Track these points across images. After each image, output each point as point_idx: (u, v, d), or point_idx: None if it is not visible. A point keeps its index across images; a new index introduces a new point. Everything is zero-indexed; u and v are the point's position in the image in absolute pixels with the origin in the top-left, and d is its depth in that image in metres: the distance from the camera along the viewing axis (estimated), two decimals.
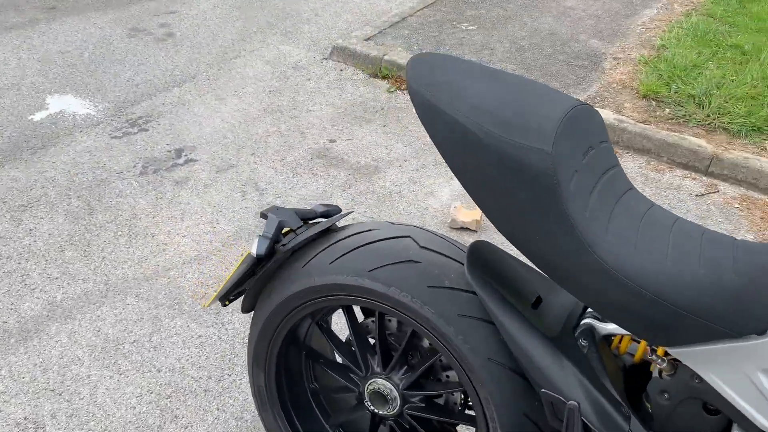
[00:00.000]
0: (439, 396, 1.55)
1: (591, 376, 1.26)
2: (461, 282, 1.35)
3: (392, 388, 1.50)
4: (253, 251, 1.44)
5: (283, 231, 1.48)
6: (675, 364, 1.21)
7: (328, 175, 3.00)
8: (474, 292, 1.33)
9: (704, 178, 3.08)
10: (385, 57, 3.83)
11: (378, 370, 1.53)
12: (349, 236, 1.46)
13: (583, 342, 1.31)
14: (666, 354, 1.21)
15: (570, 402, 1.18)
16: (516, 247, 1.19)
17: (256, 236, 1.49)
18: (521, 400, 1.33)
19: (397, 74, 3.77)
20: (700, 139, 3.13)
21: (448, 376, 1.52)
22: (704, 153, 3.07)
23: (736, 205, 2.93)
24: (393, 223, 1.51)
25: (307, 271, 1.44)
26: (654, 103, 3.42)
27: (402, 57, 3.81)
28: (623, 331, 1.31)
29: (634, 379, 1.35)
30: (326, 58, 4.00)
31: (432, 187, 2.95)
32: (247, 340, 1.98)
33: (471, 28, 4.24)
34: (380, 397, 1.52)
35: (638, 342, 1.33)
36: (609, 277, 1.08)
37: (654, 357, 1.22)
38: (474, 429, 1.50)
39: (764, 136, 3.14)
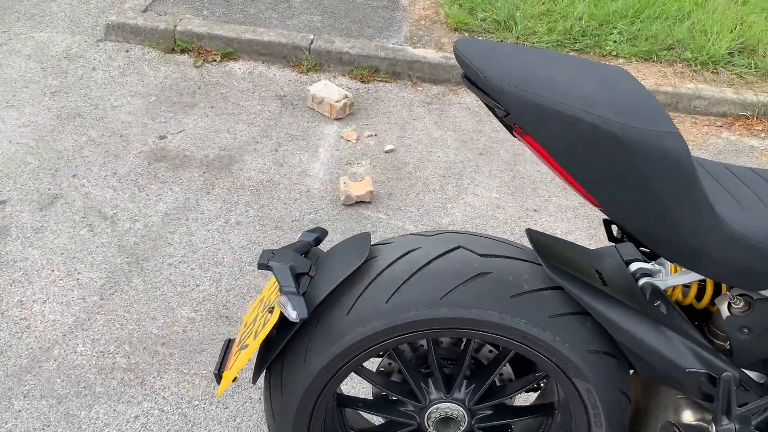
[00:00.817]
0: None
1: (687, 335, 1.27)
2: (538, 281, 1.25)
3: (458, 407, 1.38)
4: (292, 315, 1.17)
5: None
6: (749, 302, 1.27)
7: (180, 180, 2.57)
8: (554, 288, 1.25)
9: None
10: (178, 28, 3.33)
11: (438, 395, 1.38)
12: (391, 264, 1.26)
13: (657, 303, 1.32)
14: (741, 294, 1.27)
15: (725, 374, 1.18)
16: (644, 240, 1.12)
17: (279, 296, 1.21)
18: (616, 379, 1.31)
19: (198, 45, 3.32)
20: None
21: (513, 376, 1.44)
22: None
23: None
24: (425, 235, 1.34)
25: (357, 319, 1.22)
26: (467, 34, 3.52)
27: (198, 25, 3.36)
28: (686, 281, 1.34)
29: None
30: (102, 40, 3.35)
31: (302, 165, 2.71)
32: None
33: None
34: (447, 421, 1.39)
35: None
36: (741, 245, 1.08)
37: (733, 300, 1.27)
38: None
39: (568, 49, 3.43)
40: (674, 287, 1.37)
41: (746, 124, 3.24)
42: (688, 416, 1.30)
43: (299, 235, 1.41)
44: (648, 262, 1.40)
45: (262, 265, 1.26)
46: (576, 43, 3.45)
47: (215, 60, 3.29)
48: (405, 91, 3.26)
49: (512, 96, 1.03)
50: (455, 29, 3.53)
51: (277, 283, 1.24)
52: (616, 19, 3.54)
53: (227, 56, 3.32)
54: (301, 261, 1.28)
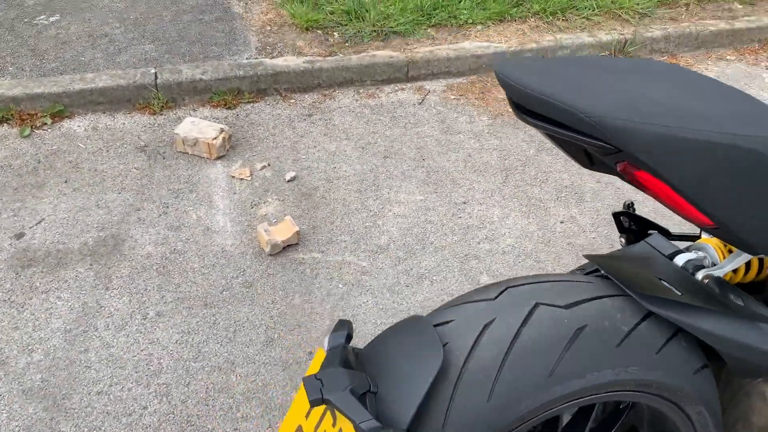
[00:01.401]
0: None
1: None
2: (629, 316, 1.10)
3: None
4: None
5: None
6: None
7: (65, 282, 2.09)
8: (645, 317, 1.11)
9: (409, 84, 3.15)
10: None
11: None
12: (472, 352, 1.04)
13: (731, 296, 1.23)
14: None
15: None
16: (752, 243, 1.00)
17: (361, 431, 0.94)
18: (715, 389, 1.21)
19: (17, 110, 2.74)
20: (386, 51, 3.14)
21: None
22: (399, 62, 3.10)
23: (452, 97, 3.09)
24: (484, 298, 1.12)
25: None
26: (320, 32, 3.26)
27: (9, 86, 2.76)
28: (740, 263, 1.27)
29: None
30: None
31: (203, 223, 2.33)
32: None
33: (54, 18, 3.29)
34: None
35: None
36: None
37: None
38: None
39: (425, 26, 3.31)
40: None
41: None
42: None
43: (326, 339, 1.13)
44: (685, 251, 1.31)
45: (318, 401, 0.99)
46: (431, 18, 3.34)
47: (45, 124, 2.73)
48: (278, 108, 2.95)
49: (625, 132, 0.85)
50: (306, 29, 3.25)
51: (330, 411, 0.99)
52: None
53: (59, 116, 2.78)
54: (356, 378, 1.02)
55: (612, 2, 3.54)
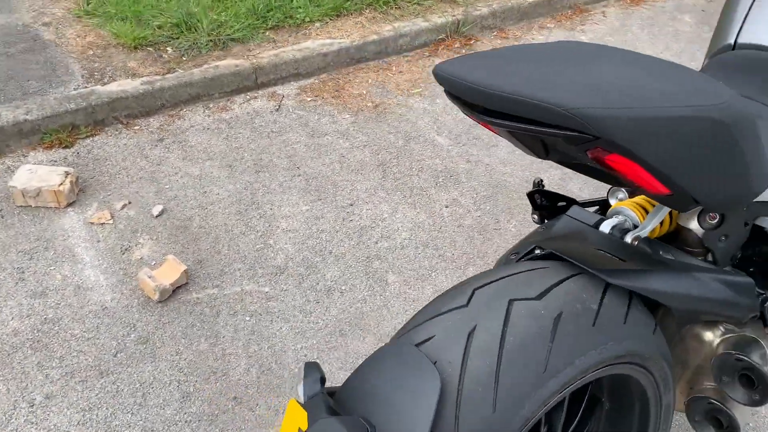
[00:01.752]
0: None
1: (703, 268, 1.27)
2: (594, 292, 1.10)
3: None
4: None
5: None
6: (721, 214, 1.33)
7: None
8: (605, 290, 1.13)
9: (261, 91, 3.00)
10: None
11: None
12: (463, 365, 0.99)
13: (664, 253, 1.30)
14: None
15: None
16: (709, 203, 1.04)
17: None
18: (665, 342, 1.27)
19: None
20: (229, 60, 2.96)
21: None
22: (246, 70, 2.94)
23: (308, 99, 3.00)
24: (456, 307, 1.07)
25: None
26: (151, 49, 2.99)
27: None
28: (660, 219, 1.34)
29: None
30: None
31: (70, 282, 2.04)
32: None
33: None
34: None
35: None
36: None
37: (703, 217, 1.31)
38: None
39: (263, 30, 3.18)
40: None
41: (447, 45, 3.44)
42: (738, 339, 1.32)
43: (299, 388, 1.03)
44: (607, 218, 1.36)
45: None
46: (267, 21, 3.21)
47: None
48: (122, 138, 2.67)
49: (605, 120, 0.84)
50: (135, 47, 2.97)
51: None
52: None
53: None
54: (351, 424, 0.93)
55: None
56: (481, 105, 0.95)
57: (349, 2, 3.42)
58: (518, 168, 2.67)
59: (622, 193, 1.49)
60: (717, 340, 1.38)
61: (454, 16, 3.47)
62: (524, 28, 3.70)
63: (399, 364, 1.00)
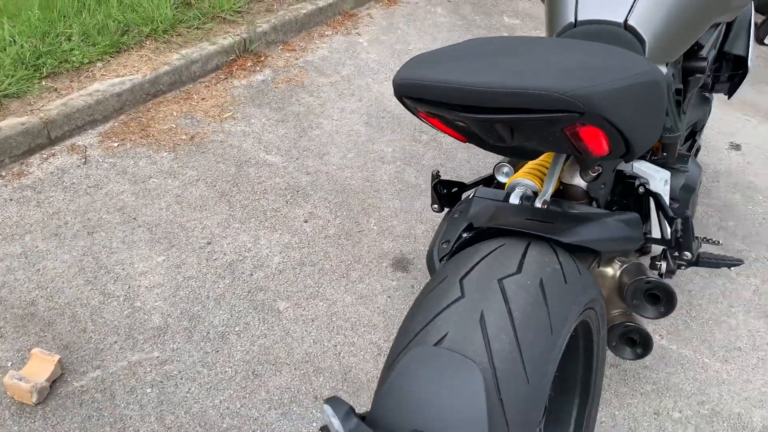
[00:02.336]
0: None
1: (604, 214, 1.46)
2: (552, 256, 1.21)
3: None
4: None
5: None
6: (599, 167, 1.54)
7: None
8: (556, 249, 1.25)
9: (58, 147, 2.66)
10: None
11: None
12: (489, 348, 1.03)
13: (567, 208, 1.45)
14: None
15: (681, 216, 1.40)
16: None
17: None
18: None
19: None
20: (11, 119, 2.58)
21: None
22: (35, 126, 2.59)
23: (115, 144, 2.73)
24: (459, 298, 1.10)
25: None
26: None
27: None
28: (555, 183, 1.50)
29: None
30: None
31: None
32: None
33: None
34: None
35: None
36: None
37: (586, 172, 1.51)
38: None
39: (38, 80, 2.82)
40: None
41: (240, 65, 3.37)
42: (633, 267, 1.53)
43: (335, 425, 0.99)
44: (510, 190, 1.49)
45: None
46: (40, 69, 2.85)
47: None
48: None
49: (591, 97, 0.93)
50: None
51: None
52: (50, 25, 3.04)
53: None
54: None
55: (211, 7, 3.54)
56: (471, 104, 0.99)
57: (126, 36, 3.18)
58: (355, 170, 2.74)
59: (507, 167, 1.63)
60: (618, 272, 1.59)
61: (238, 35, 3.42)
62: (306, 39, 3.78)
63: (430, 367, 1.01)
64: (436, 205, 1.69)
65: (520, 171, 1.55)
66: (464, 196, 1.66)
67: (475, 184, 1.72)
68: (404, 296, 2.18)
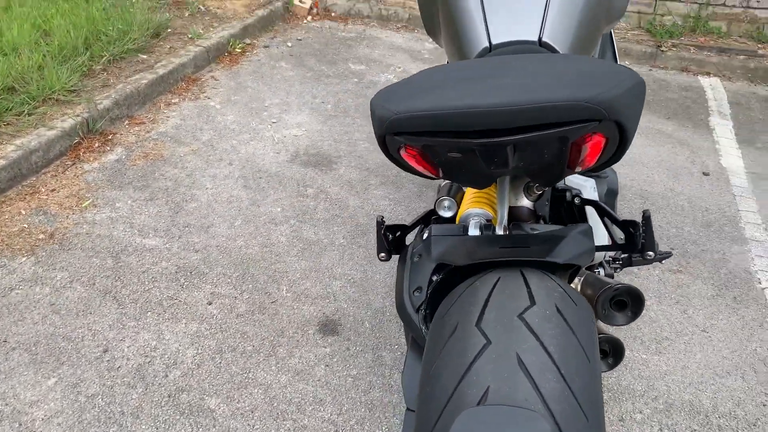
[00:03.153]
0: None
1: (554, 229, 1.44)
2: (549, 281, 1.16)
3: None
4: None
5: None
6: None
7: None
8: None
9: None
10: None
11: None
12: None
13: (530, 229, 1.41)
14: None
15: (646, 210, 1.39)
16: None
17: None
18: None
19: None
20: None
21: None
22: None
23: None
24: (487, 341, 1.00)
25: None
26: None
27: None
28: (506, 209, 1.47)
29: None
30: None
31: None
32: None
33: None
34: None
35: None
36: None
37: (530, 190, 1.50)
38: None
39: None
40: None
41: (87, 147, 3.03)
42: (591, 277, 1.51)
43: None
44: (467, 224, 1.43)
45: None
46: None
47: None
48: None
49: (609, 101, 0.88)
50: None
51: None
52: None
53: None
54: None
55: (40, 89, 3.16)
56: (490, 127, 0.90)
57: None
58: (248, 238, 2.54)
59: (448, 201, 1.57)
60: (578, 286, 1.58)
61: (78, 115, 3.08)
62: (153, 110, 3.50)
63: (486, 426, 0.89)
64: (383, 254, 1.57)
65: (465, 202, 1.49)
66: (408, 238, 1.57)
67: (417, 223, 1.63)
68: (343, 360, 2.01)
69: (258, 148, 3.20)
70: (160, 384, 1.88)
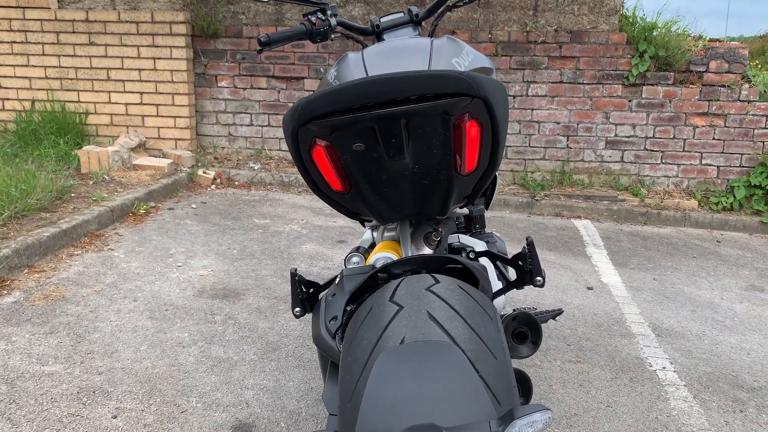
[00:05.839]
0: None
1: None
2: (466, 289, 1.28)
3: None
4: None
5: None
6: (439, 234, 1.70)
7: None
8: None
9: None
10: None
11: None
12: None
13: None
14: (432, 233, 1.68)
15: (529, 236, 1.56)
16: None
17: None
18: None
19: None
20: None
21: None
22: None
23: None
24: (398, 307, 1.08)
25: None
26: None
27: None
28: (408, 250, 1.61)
29: None
30: None
31: None
32: None
33: None
34: None
35: None
36: None
37: (430, 237, 1.66)
38: None
39: None
40: None
41: None
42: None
43: None
44: (375, 268, 1.56)
45: None
46: None
47: None
48: None
49: (478, 79, 1.08)
50: None
51: None
52: None
53: None
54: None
55: None
56: (382, 99, 1.06)
57: None
58: (155, 359, 2.46)
59: (356, 257, 1.69)
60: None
61: None
62: (54, 260, 3.46)
63: (410, 361, 0.96)
64: (298, 308, 1.63)
65: (374, 252, 1.62)
66: (321, 296, 1.65)
67: (329, 282, 1.72)
68: None
69: (163, 287, 3.21)
70: None
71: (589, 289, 3.53)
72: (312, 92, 1.31)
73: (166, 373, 2.38)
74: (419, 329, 1.01)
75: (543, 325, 2.71)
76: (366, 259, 1.66)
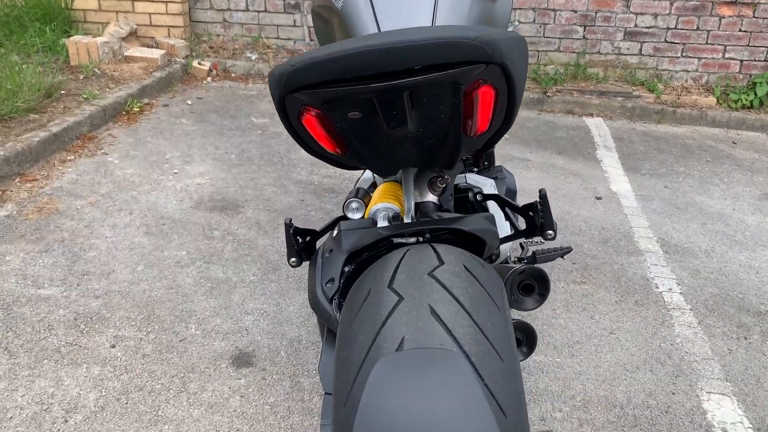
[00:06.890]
0: None
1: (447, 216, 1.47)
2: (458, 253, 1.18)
3: None
4: None
5: None
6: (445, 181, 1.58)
7: None
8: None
9: None
10: None
11: None
12: None
13: (437, 215, 1.44)
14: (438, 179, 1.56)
15: (542, 188, 1.45)
16: None
17: None
18: None
19: None
20: None
21: None
22: None
23: None
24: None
25: None
26: None
27: None
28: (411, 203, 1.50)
29: None
30: None
31: None
32: None
33: None
34: None
35: None
36: None
37: (434, 184, 1.54)
38: None
39: None
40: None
41: None
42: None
43: None
44: (377, 219, 1.45)
45: None
46: None
47: None
48: None
49: (494, 42, 0.93)
50: None
51: None
52: None
53: None
54: None
55: None
56: (385, 69, 0.92)
57: None
58: (152, 281, 2.42)
59: (355, 203, 1.58)
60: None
61: None
62: (46, 167, 3.35)
63: (407, 371, 0.88)
64: (294, 259, 1.55)
65: (373, 200, 1.51)
66: (318, 243, 1.56)
67: (327, 229, 1.63)
68: (259, 390, 1.93)
69: (160, 197, 3.12)
70: (59, 430, 1.73)
71: (598, 199, 3.43)
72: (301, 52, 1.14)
73: (164, 297, 2.35)
74: (420, 329, 0.93)
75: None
76: (366, 206, 1.55)
